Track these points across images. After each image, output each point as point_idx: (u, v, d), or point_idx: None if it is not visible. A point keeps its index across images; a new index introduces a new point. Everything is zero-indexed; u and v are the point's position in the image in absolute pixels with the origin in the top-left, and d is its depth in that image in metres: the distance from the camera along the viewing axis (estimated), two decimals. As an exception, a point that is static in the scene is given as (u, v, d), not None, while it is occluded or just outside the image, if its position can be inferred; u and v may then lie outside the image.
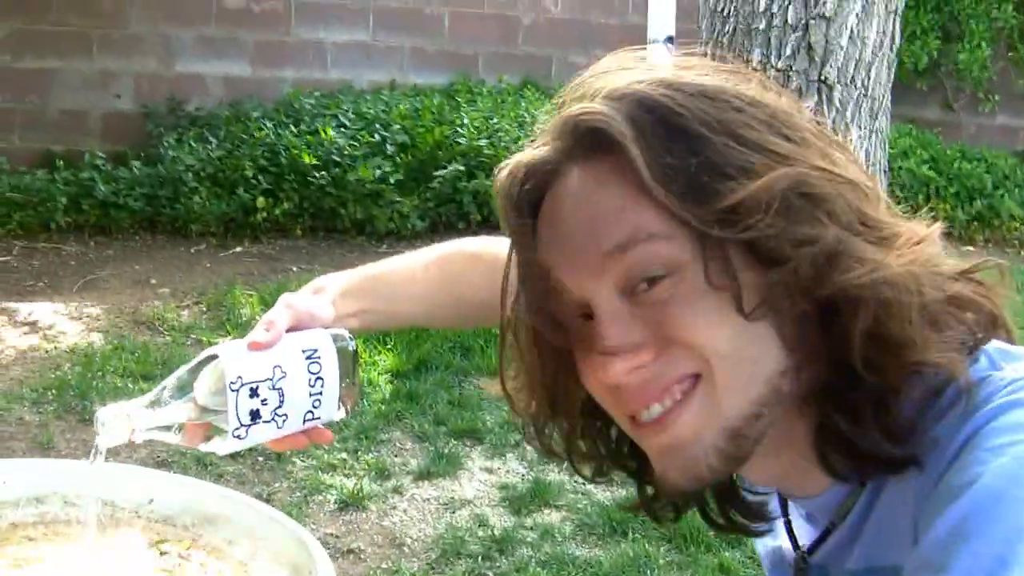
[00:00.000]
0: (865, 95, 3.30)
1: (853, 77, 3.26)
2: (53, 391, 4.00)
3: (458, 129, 6.12)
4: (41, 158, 6.18)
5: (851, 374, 0.81)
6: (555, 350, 0.90)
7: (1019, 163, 7.60)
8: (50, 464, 1.34)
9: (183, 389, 0.99)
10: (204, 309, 4.98)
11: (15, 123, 6.30)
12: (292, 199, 5.92)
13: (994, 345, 0.84)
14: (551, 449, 0.97)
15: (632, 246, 0.81)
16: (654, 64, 0.87)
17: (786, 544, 0.98)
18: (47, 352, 4.40)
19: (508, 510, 3.48)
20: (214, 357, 1.00)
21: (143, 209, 5.85)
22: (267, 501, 3.13)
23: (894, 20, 3.34)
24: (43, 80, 6.33)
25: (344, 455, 3.72)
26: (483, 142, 6.02)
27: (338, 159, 5.89)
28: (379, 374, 4.31)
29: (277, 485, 3.52)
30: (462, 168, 5.97)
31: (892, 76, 3.42)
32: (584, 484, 3.64)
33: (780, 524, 0.99)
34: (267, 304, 4.40)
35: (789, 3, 3.23)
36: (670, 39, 4.29)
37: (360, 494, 3.48)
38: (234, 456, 3.64)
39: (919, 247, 0.82)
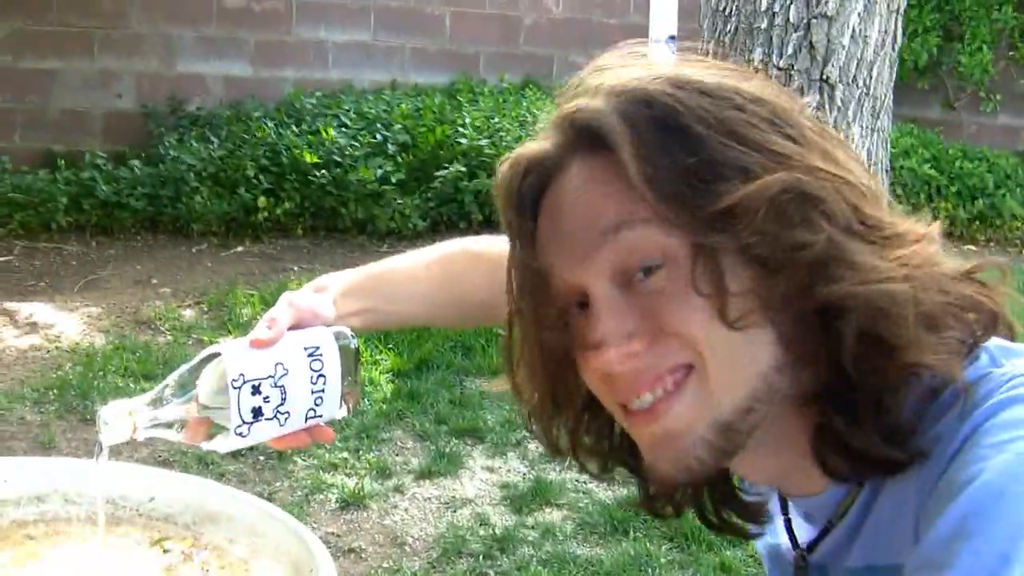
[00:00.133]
0: (867, 94, 3.30)
1: (855, 76, 3.26)
2: (54, 391, 4.01)
3: (459, 129, 6.12)
4: (42, 158, 6.19)
5: (848, 375, 0.81)
6: (556, 344, 0.90)
7: (1020, 162, 7.60)
8: (51, 462, 1.34)
9: (185, 387, 0.99)
10: (205, 309, 4.99)
11: (16, 123, 6.31)
12: (293, 199, 5.92)
13: (995, 342, 0.84)
14: (556, 445, 0.97)
15: (625, 228, 0.82)
16: (656, 61, 0.87)
17: (785, 542, 0.98)
18: (48, 352, 4.41)
19: (509, 509, 3.48)
20: (216, 355, 1.00)
21: (144, 209, 5.85)
22: (268, 500, 3.12)
23: (896, 19, 3.34)
24: (44, 80, 6.33)
25: (345, 454, 3.72)
26: (484, 142, 6.03)
27: (339, 159, 5.89)
28: (380, 373, 4.31)
29: (278, 484, 3.52)
30: (463, 168, 5.98)
31: (894, 75, 3.42)
32: (585, 483, 3.64)
33: (780, 522, 0.99)
34: (268, 304, 4.40)
35: (791, 2, 3.23)
36: (672, 38, 4.29)
37: (361, 493, 3.48)
38: (235, 455, 3.64)
39: (918, 246, 0.82)
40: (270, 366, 1.00)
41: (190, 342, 4.56)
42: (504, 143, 5.90)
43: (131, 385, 4.01)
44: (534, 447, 3.88)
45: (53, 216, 5.70)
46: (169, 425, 1.00)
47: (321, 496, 3.47)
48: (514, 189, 0.88)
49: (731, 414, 0.82)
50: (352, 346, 1.06)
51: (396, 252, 1.27)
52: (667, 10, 4.28)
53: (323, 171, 5.84)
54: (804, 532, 0.96)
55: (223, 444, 1.01)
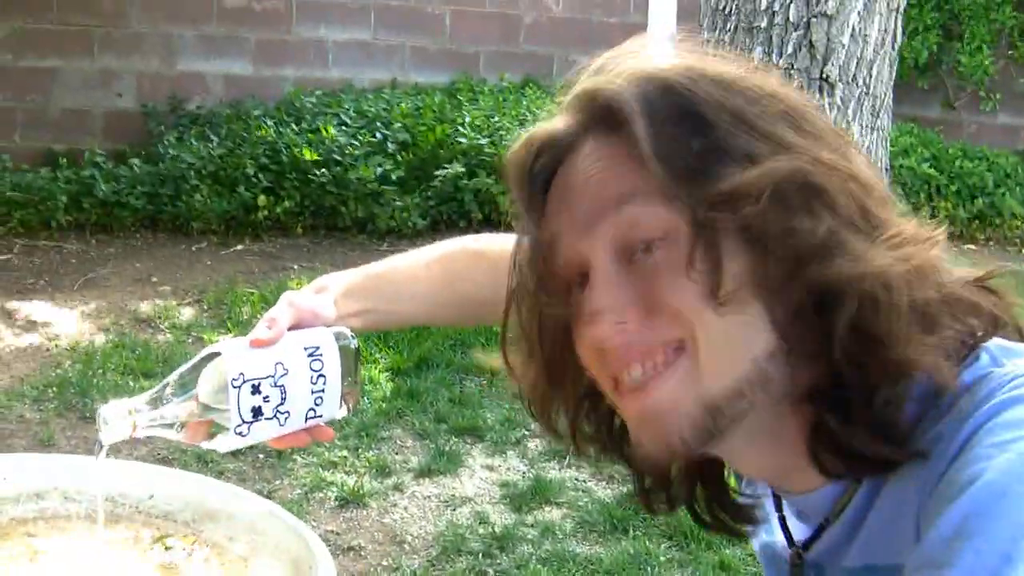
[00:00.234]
0: (867, 93, 3.30)
1: (855, 75, 3.26)
2: (54, 389, 4.01)
3: (459, 128, 6.12)
4: (42, 157, 6.19)
5: (843, 371, 0.81)
6: (556, 319, 0.90)
7: (1020, 162, 7.60)
8: (50, 460, 1.34)
9: (185, 386, 0.99)
10: (205, 307, 4.99)
11: (16, 122, 6.30)
12: (293, 197, 5.92)
13: (995, 342, 0.84)
14: (555, 429, 0.98)
15: (629, 200, 0.82)
16: (674, 52, 0.88)
17: (781, 540, 0.98)
18: (48, 350, 4.41)
19: (509, 507, 3.48)
20: (216, 355, 1.00)
21: (144, 207, 5.85)
22: (268, 498, 3.12)
23: (896, 18, 3.34)
24: (44, 79, 6.33)
25: (345, 452, 3.72)
26: (484, 141, 6.03)
27: (339, 157, 5.89)
28: (380, 371, 4.31)
29: (278, 482, 3.52)
30: (463, 167, 5.98)
31: (894, 74, 3.42)
32: (585, 482, 3.64)
33: (775, 520, 0.99)
34: (268, 302, 4.41)
35: (791, 1, 3.23)
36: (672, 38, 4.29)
37: (361, 491, 3.48)
38: (235, 454, 3.64)
39: (920, 246, 0.82)
40: (270, 366, 1.00)
41: (190, 340, 4.56)
42: (504, 142, 5.89)
43: (130, 383, 4.01)
44: (534, 445, 3.89)
45: (53, 214, 5.70)
46: (169, 424, 1.00)
47: (321, 494, 3.47)
48: (526, 168, 0.89)
49: (720, 395, 0.82)
50: (352, 346, 1.07)
51: (396, 251, 1.27)
52: (666, 9, 4.28)
53: (323, 170, 5.84)
54: (799, 530, 0.96)
55: (223, 443, 1.01)
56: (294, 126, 6.12)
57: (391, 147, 6.07)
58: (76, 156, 6.10)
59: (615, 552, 3.20)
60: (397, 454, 3.79)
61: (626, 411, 0.87)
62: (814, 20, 3.21)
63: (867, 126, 3.33)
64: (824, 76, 3.22)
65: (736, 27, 3.34)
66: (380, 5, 7.01)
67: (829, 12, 3.20)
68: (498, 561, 3.16)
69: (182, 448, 3.60)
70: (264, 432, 1.01)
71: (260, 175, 5.87)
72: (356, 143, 5.98)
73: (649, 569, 3.12)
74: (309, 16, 6.84)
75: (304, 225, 6.07)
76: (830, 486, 0.88)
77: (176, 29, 6.55)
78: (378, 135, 6.10)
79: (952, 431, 0.78)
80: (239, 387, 0.98)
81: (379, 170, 5.88)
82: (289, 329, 1.04)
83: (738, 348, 0.82)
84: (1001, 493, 0.71)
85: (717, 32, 3.37)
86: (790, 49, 3.23)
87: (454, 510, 3.45)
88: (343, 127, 6.14)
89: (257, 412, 0.99)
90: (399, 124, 6.19)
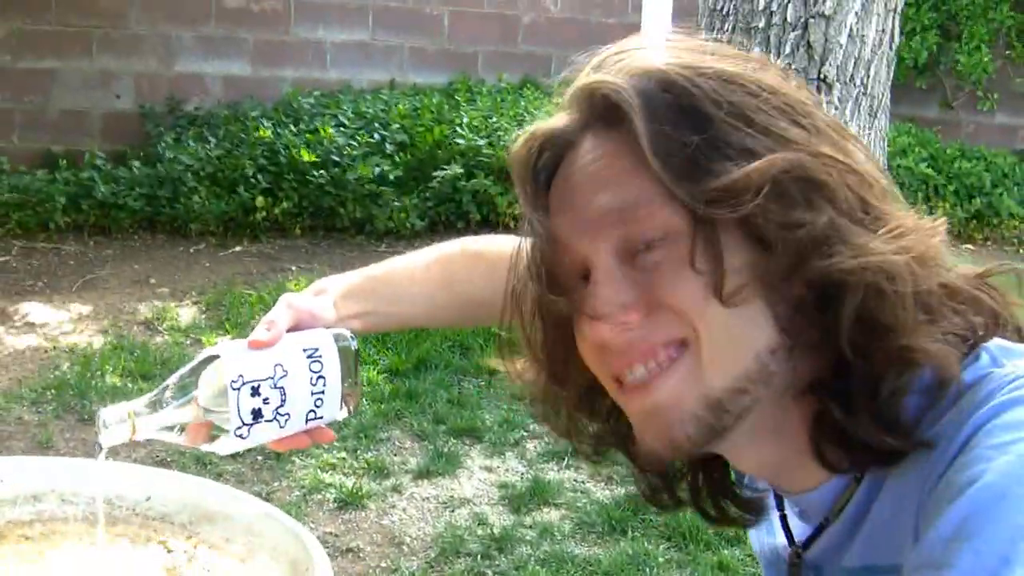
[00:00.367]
0: (864, 93, 3.30)
1: (852, 75, 3.26)
2: (52, 391, 4.00)
3: (457, 128, 6.12)
4: (41, 158, 6.19)
5: (846, 364, 0.82)
6: (558, 316, 0.90)
7: (1018, 161, 7.60)
8: (47, 462, 1.33)
9: (184, 389, 0.99)
10: (203, 309, 4.98)
11: (15, 123, 6.30)
12: (291, 198, 5.92)
13: (995, 342, 0.84)
14: (557, 427, 0.98)
15: (631, 210, 0.83)
16: (674, 48, 0.88)
17: (781, 540, 0.98)
18: (46, 352, 4.40)
19: (507, 509, 3.48)
20: (215, 357, 1.00)
21: (142, 209, 5.85)
22: (266, 500, 3.12)
23: (893, 18, 3.34)
24: (43, 80, 6.33)
25: (343, 454, 3.72)
26: (482, 142, 6.02)
27: (337, 158, 5.89)
28: (378, 373, 4.31)
29: (276, 484, 3.52)
30: (461, 168, 5.98)
31: (891, 74, 3.42)
32: (583, 483, 3.64)
33: (776, 521, 0.99)
34: (267, 303, 4.41)
35: (788, 1, 3.23)
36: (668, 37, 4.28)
37: (359, 493, 3.48)
38: (233, 456, 3.64)
39: (921, 236, 0.82)
40: (269, 367, 1.00)
41: (188, 342, 4.55)
42: (502, 143, 5.90)
43: (129, 385, 4.01)
44: (532, 447, 3.89)
45: (51, 216, 5.70)
46: (169, 427, 1.00)
47: (319, 496, 3.47)
48: (529, 164, 0.90)
49: (723, 392, 0.82)
50: (352, 347, 1.06)
51: (394, 252, 1.27)
52: (662, 9, 4.27)
53: (321, 170, 5.84)
54: (799, 530, 0.96)
55: (223, 446, 1.01)
56: (292, 127, 6.12)
57: (389, 148, 6.06)
58: (74, 157, 6.10)
59: (614, 553, 3.20)
60: (395, 455, 3.78)
61: (629, 409, 0.87)
62: (812, 20, 3.21)
63: (864, 126, 3.33)
64: (822, 76, 3.22)
65: (734, 27, 3.34)
66: (378, 6, 7.01)
67: (827, 12, 3.21)
68: (497, 562, 3.16)
69: (180, 450, 3.60)
70: (264, 434, 1.01)
71: (258, 176, 5.87)
72: (354, 144, 5.98)
73: (648, 570, 3.12)
74: (307, 17, 6.84)
75: (302, 226, 6.07)
76: (831, 483, 0.88)
77: (174, 30, 6.55)
78: (376, 136, 6.10)
79: (952, 431, 0.78)
80: (238, 389, 0.98)
81: (377, 171, 5.88)
82: (288, 331, 1.04)
83: (741, 344, 0.82)
84: (1000, 495, 0.71)
85: (715, 32, 3.38)
86: (788, 49, 3.24)
87: (453, 511, 3.45)
88: (341, 128, 6.14)
89: (257, 414, 0.99)
90: (397, 125, 6.19)
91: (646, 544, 3.24)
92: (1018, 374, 0.79)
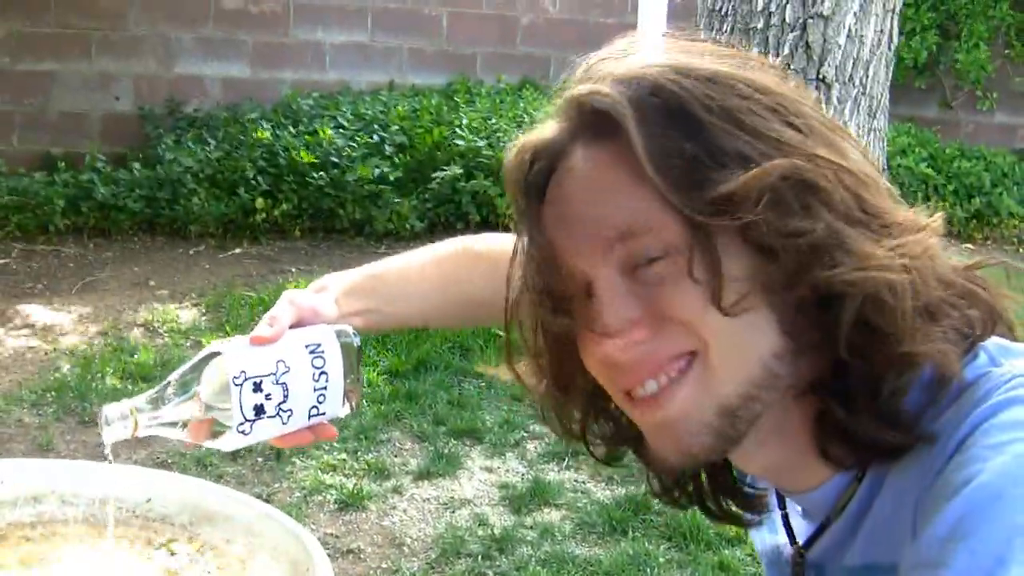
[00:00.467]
0: (863, 93, 3.30)
1: (851, 76, 3.27)
2: (52, 393, 4.00)
3: (456, 130, 6.12)
4: (40, 160, 6.19)
5: (846, 363, 0.82)
6: (561, 329, 0.90)
7: (1017, 161, 7.60)
8: (48, 464, 1.34)
9: (187, 386, 0.99)
10: (203, 310, 4.98)
11: (14, 125, 6.30)
12: (291, 200, 5.92)
13: (993, 341, 0.84)
14: (569, 430, 0.98)
15: (633, 235, 0.82)
16: (662, 49, 0.88)
17: (783, 539, 0.98)
18: (46, 354, 4.40)
19: (508, 509, 3.48)
20: (217, 353, 0.99)
21: (142, 211, 5.85)
22: (267, 501, 3.13)
23: (892, 19, 3.34)
24: (42, 82, 6.33)
25: (344, 455, 3.72)
26: (481, 143, 6.03)
27: (336, 160, 5.89)
28: (378, 374, 4.31)
29: (277, 486, 3.52)
30: (460, 169, 5.98)
31: (890, 74, 3.42)
32: (584, 483, 3.64)
33: (778, 520, 0.99)
34: (266, 305, 4.40)
35: (787, 2, 3.23)
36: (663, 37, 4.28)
37: (360, 494, 3.48)
38: (234, 457, 3.64)
39: (919, 235, 0.82)
40: (271, 363, 1.00)
41: (188, 344, 4.55)
42: (501, 144, 5.89)
43: (129, 387, 4.01)
44: (532, 447, 3.89)
45: (51, 218, 5.70)
46: (172, 423, 1.00)
47: (320, 497, 3.47)
48: (521, 176, 0.89)
49: (733, 400, 0.82)
50: (354, 344, 1.06)
51: (393, 253, 1.27)
52: (657, 8, 4.27)
53: (321, 172, 5.84)
54: (801, 529, 0.96)
55: (226, 442, 1.00)
56: (291, 128, 6.12)
57: (388, 149, 6.07)
58: (74, 159, 6.10)
59: (614, 553, 3.20)
60: (396, 456, 3.78)
61: (642, 421, 0.87)
62: (810, 21, 3.22)
63: (864, 126, 3.33)
64: (821, 77, 3.22)
65: (732, 28, 3.34)
66: (377, 7, 7.01)
67: (825, 13, 3.21)
68: (497, 563, 3.16)
69: (180, 452, 3.60)
70: (267, 430, 1.01)
71: (258, 178, 5.87)
72: (354, 145, 5.98)
73: (648, 570, 3.12)
74: (306, 18, 6.85)
75: (302, 228, 6.07)
76: (832, 482, 0.88)
77: (174, 32, 6.55)
78: (375, 137, 6.10)
79: (950, 429, 0.78)
80: (240, 385, 0.97)
81: (377, 172, 5.88)
82: (290, 327, 1.04)
83: (747, 352, 0.82)
84: (996, 495, 0.71)
85: (714, 33, 3.38)
86: (786, 50, 3.24)
87: (453, 512, 3.45)
88: (340, 129, 6.14)
89: (259, 410, 0.98)
90: (396, 126, 6.19)
91: (647, 544, 3.24)
92: (1015, 373, 0.79)
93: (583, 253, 0.85)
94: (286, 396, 1.00)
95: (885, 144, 3.59)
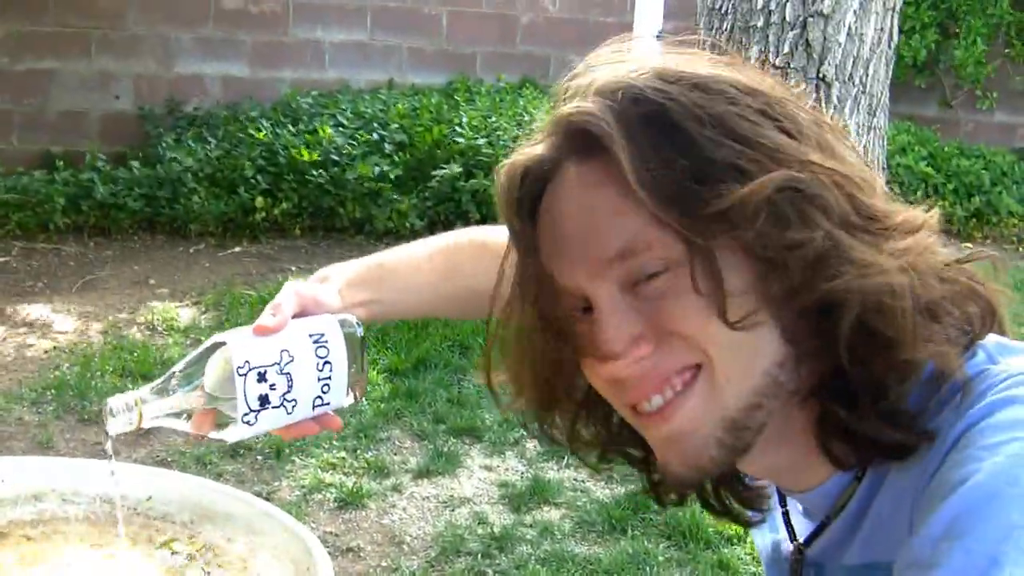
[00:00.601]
0: (863, 92, 3.30)
1: (851, 74, 3.26)
2: (52, 391, 4.01)
3: (456, 128, 6.12)
4: (40, 159, 6.19)
5: (847, 368, 0.82)
6: (557, 346, 0.90)
7: (1017, 160, 7.61)
8: (48, 462, 1.34)
9: (191, 376, 0.99)
10: (203, 309, 4.99)
11: (14, 124, 6.30)
12: (291, 199, 5.92)
13: (991, 338, 0.84)
14: (553, 438, 0.98)
15: (632, 254, 0.82)
16: (646, 54, 0.87)
17: (783, 536, 0.98)
18: (46, 352, 4.41)
19: (507, 508, 3.48)
20: (221, 344, 0.99)
21: (142, 209, 5.85)
22: (267, 500, 3.13)
23: (892, 17, 3.34)
24: (42, 81, 6.33)
25: (343, 454, 3.72)
26: (481, 141, 6.02)
27: (336, 158, 5.89)
28: (378, 372, 4.31)
29: (276, 484, 3.52)
30: (460, 168, 5.98)
31: (890, 73, 3.42)
32: (583, 482, 3.64)
33: (779, 517, 0.99)
34: (266, 304, 4.40)
35: (787, 0, 3.23)
36: (659, 36, 4.29)
37: (359, 492, 3.48)
38: (233, 455, 3.64)
39: (917, 236, 0.82)
40: (275, 353, 0.99)
41: (188, 342, 4.55)
42: (501, 143, 5.89)
43: (129, 385, 4.01)
44: (532, 446, 3.89)
45: (51, 217, 5.70)
46: (176, 415, 0.99)
47: (319, 495, 3.47)
48: (512, 195, 0.88)
49: (739, 411, 0.82)
50: (357, 334, 1.05)
51: (394, 251, 1.26)
52: (653, 6, 4.27)
53: (320, 170, 5.84)
54: (802, 527, 0.96)
55: (231, 433, 1.00)
56: (291, 127, 6.12)
57: (388, 148, 6.06)
58: (73, 158, 6.09)
59: (614, 552, 3.20)
60: (395, 455, 3.79)
61: (649, 435, 0.87)
62: (810, 19, 3.22)
63: (864, 125, 3.33)
64: (821, 75, 3.22)
65: (732, 26, 3.34)
66: (377, 6, 7.01)
67: (825, 11, 3.21)
68: (497, 561, 3.16)
69: (180, 450, 3.60)
70: (272, 421, 1.00)
71: (258, 177, 5.87)
72: (353, 143, 5.98)
73: (648, 569, 3.12)
74: (306, 17, 6.84)
75: (302, 226, 6.07)
76: (833, 481, 0.88)
77: (173, 31, 6.55)
78: (375, 135, 6.10)
79: (947, 427, 0.79)
80: (245, 375, 0.97)
81: (376, 170, 5.88)
82: (293, 317, 1.03)
83: (751, 362, 0.82)
84: (991, 495, 0.71)
85: (713, 32, 3.38)
86: (786, 48, 3.24)
87: (453, 511, 3.45)
88: (340, 128, 6.14)
89: (264, 400, 0.98)
90: (396, 125, 6.19)
91: (646, 543, 3.24)
92: (1011, 372, 0.79)
93: (580, 271, 0.84)
94: (290, 386, 0.99)
95: (885, 143, 3.59)
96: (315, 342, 1.02)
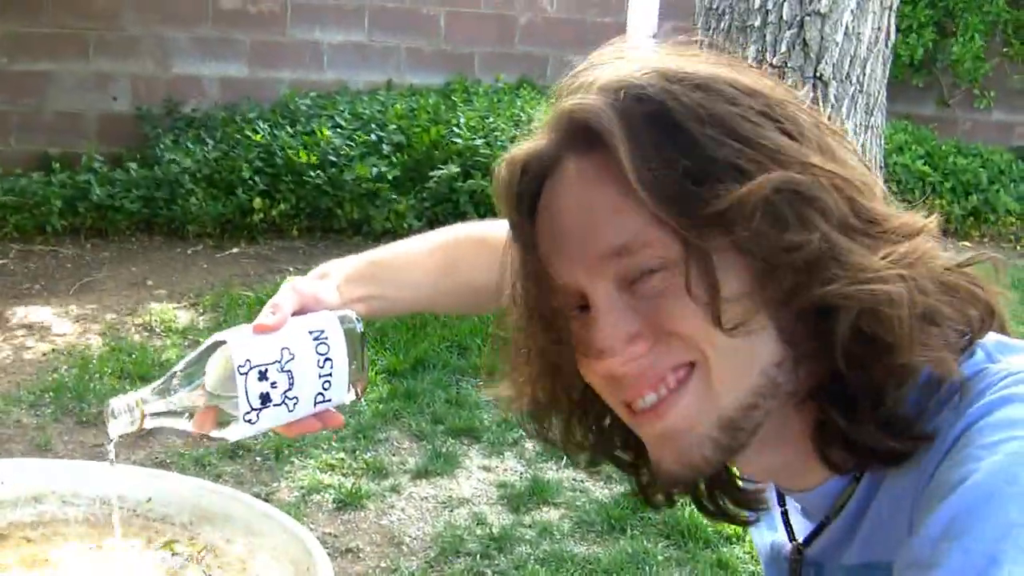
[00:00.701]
0: (860, 91, 3.30)
1: (848, 73, 3.27)
2: (50, 393, 4.00)
3: (454, 129, 6.12)
4: (37, 160, 6.18)
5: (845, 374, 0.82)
6: (554, 342, 0.90)
7: (1014, 159, 7.61)
8: (47, 463, 1.34)
9: (192, 376, 0.99)
10: (201, 310, 4.98)
11: (11, 125, 6.30)
12: (289, 200, 5.92)
13: (990, 337, 0.84)
14: (548, 437, 0.98)
15: (630, 252, 0.82)
16: (649, 54, 0.87)
17: (782, 536, 0.98)
18: (44, 355, 4.40)
19: (506, 508, 3.48)
20: (221, 343, 0.99)
21: (140, 211, 5.84)
22: (266, 501, 3.13)
23: (889, 16, 3.35)
24: (39, 82, 6.32)
25: (342, 454, 3.72)
26: (479, 142, 6.02)
27: (334, 159, 5.89)
28: (376, 373, 4.31)
29: (275, 485, 3.52)
30: (458, 168, 5.98)
31: (887, 72, 3.43)
32: (582, 482, 3.65)
33: (778, 517, 0.99)
34: (264, 305, 4.41)
35: (784, 0, 3.23)
36: (653, 37, 4.29)
37: (358, 493, 3.48)
38: (232, 456, 3.64)
39: (915, 241, 0.82)
40: (276, 351, 0.99)
41: (186, 344, 4.55)
42: (499, 143, 5.89)
43: (127, 387, 4.01)
44: (531, 446, 3.89)
45: (48, 219, 5.69)
46: (178, 415, 1.00)
47: (318, 496, 3.47)
48: (511, 189, 0.88)
49: (735, 411, 0.82)
50: (357, 330, 1.05)
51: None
52: (648, 7, 4.27)
53: (318, 171, 5.84)
54: (801, 527, 0.96)
55: (232, 432, 1.00)
56: (289, 128, 6.12)
57: (386, 148, 6.06)
58: (70, 160, 6.09)
59: (613, 552, 3.20)
60: (394, 456, 3.79)
61: (643, 433, 0.87)
62: (807, 18, 3.22)
63: (861, 124, 3.33)
64: (818, 74, 3.22)
65: (730, 26, 3.34)
66: (375, 7, 7.01)
67: (822, 10, 3.21)
68: (496, 562, 3.16)
69: (179, 451, 3.60)
70: (274, 418, 1.00)
71: (256, 178, 5.87)
72: (351, 144, 5.98)
73: (647, 568, 3.12)
74: (304, 18, 6.84)
75: (300, 227, 6.07)
76: (832, 482, 0.88)
77: (171, 32, 6.55)
78: (373, 136, 6.10)
79: (946, 427, 0.79)
80: (246, 374, 0.97)
81: (374, 171, 5.88)
82: (293, 315, 1.03)
83: (747, 362, 0.82)
84: (990, 494, 0.71)
85: (711, 31, 3.38)
86: (784, 48, 3.24)
87: (452, 511, 3.45)
88: (338, 129, 6.14)
89: (265, 399, 0.98)
90: (394, 125, 6.19)
91: (645, 542, 3.24)
92: (1010, 371, 0.79)
93: (577, 267, 0.84)
94: (291, 384, 1.00)
95: (882, 142, 3.59)
96: (315, 339, 1.02)
